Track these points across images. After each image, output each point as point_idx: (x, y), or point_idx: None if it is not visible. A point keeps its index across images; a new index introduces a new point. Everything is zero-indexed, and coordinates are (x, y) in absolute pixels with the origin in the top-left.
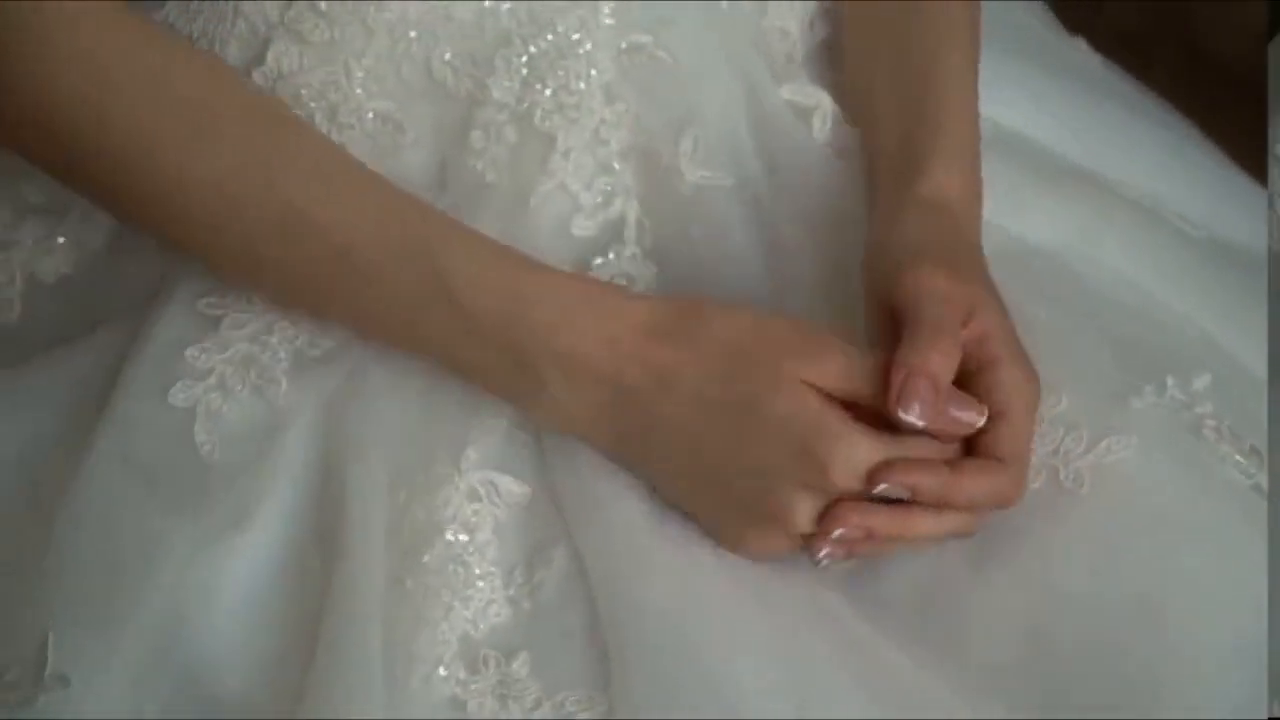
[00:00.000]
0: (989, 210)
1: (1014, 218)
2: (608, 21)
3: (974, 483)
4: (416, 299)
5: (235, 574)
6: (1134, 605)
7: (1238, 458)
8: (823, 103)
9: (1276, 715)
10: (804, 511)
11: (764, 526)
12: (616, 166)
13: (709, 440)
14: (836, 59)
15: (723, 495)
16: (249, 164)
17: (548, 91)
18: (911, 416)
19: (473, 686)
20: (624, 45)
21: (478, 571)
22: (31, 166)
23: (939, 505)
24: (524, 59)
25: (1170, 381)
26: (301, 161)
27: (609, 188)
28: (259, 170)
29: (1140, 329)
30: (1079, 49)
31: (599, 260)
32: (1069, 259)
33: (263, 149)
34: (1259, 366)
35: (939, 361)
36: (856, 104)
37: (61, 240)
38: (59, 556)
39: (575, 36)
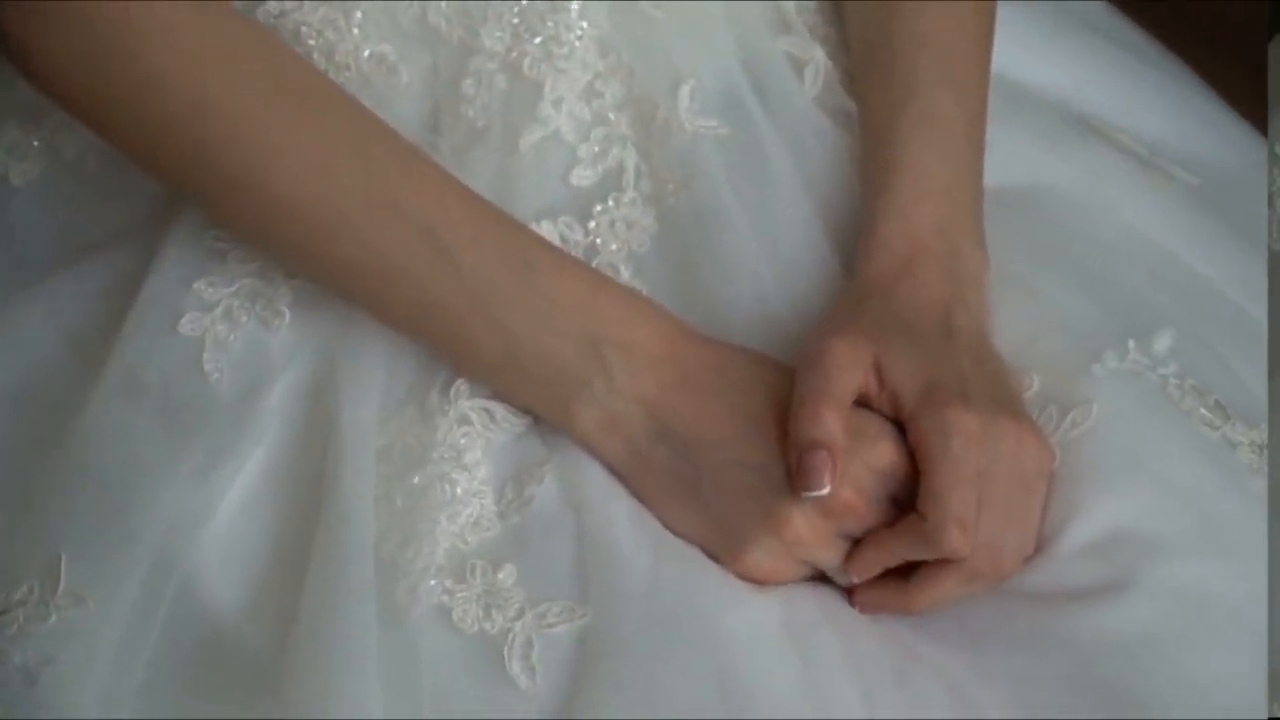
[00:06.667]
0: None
1: (1005, 168)
2: None
3: (893, 545)
4: (500, 281)
5: (231, 496)
6: (1099, 553)
7: (1203, 411)
8: (815, 57)
9: (1276, 715)
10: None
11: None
12: (612, 117)
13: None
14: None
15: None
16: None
17: (537, 40)
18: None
19: (459, 595)
20: None
21: (465, 489)
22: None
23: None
24: (516, 10)
25: (1131, 345)
26: (399, 145)
27: (606, 138)
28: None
29: (1129, 271)
30: None
31: (599, 207)
32: (1060, 205)
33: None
34: (1256, 309)
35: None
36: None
37: (36, 144)
38: (68, 480)
39: None
